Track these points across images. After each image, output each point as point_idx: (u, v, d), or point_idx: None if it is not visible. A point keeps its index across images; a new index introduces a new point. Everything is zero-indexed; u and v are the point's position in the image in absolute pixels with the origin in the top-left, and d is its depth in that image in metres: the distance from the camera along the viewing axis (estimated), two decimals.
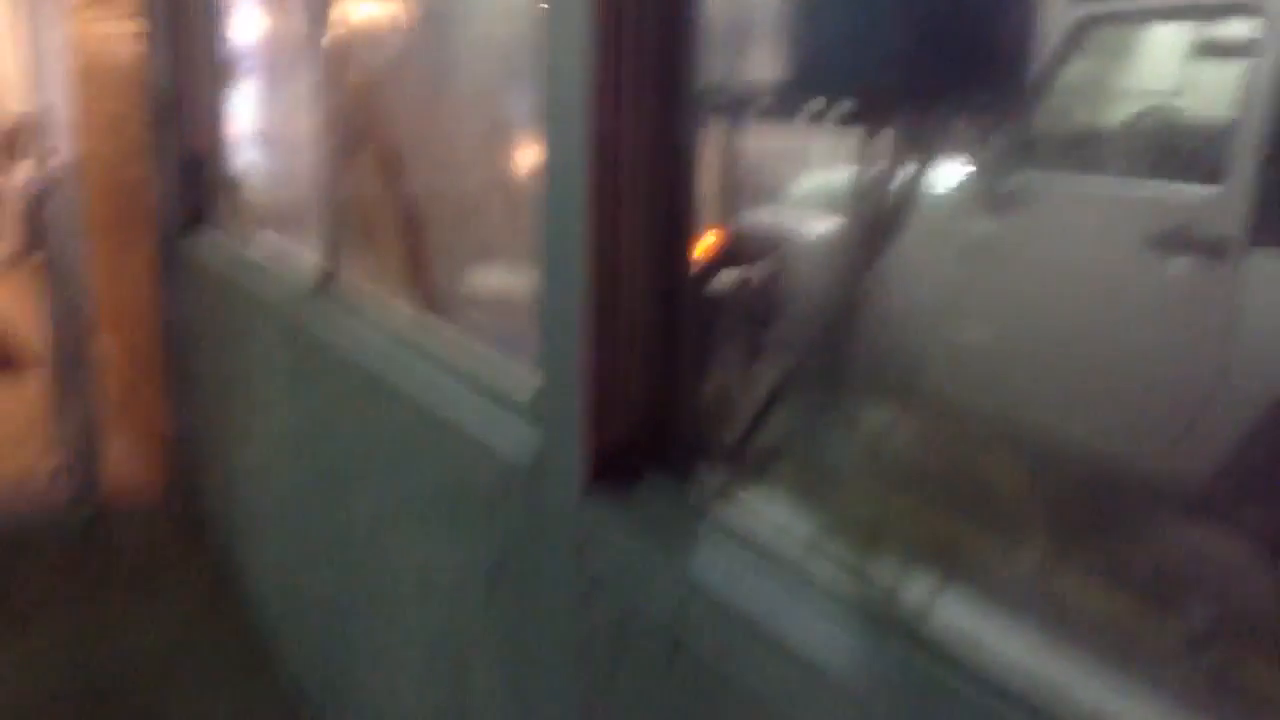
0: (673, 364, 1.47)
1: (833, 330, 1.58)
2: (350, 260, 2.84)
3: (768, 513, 1.29)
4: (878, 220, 1.44)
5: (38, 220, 3.87)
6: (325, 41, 3.00)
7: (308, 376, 2.77)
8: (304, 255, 3.05)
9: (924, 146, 1.41)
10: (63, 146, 3.90)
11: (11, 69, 8.53)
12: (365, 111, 3.13)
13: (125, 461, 4.70)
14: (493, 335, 2.02)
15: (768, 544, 1.24)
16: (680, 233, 1.46)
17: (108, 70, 5.32)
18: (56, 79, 3.87)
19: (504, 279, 2.35)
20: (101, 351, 6.13)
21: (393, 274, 2.75)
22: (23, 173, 3.87)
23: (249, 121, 4.25)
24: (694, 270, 1.49)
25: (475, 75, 2.70)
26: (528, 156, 2.63)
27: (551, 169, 1.50)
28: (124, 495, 4.31)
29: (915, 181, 1.40)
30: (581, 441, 1.46)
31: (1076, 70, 3.03)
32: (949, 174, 2.70)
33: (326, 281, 2.82)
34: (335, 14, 2.96)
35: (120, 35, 4.86)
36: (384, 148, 3.17)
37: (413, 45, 3.27)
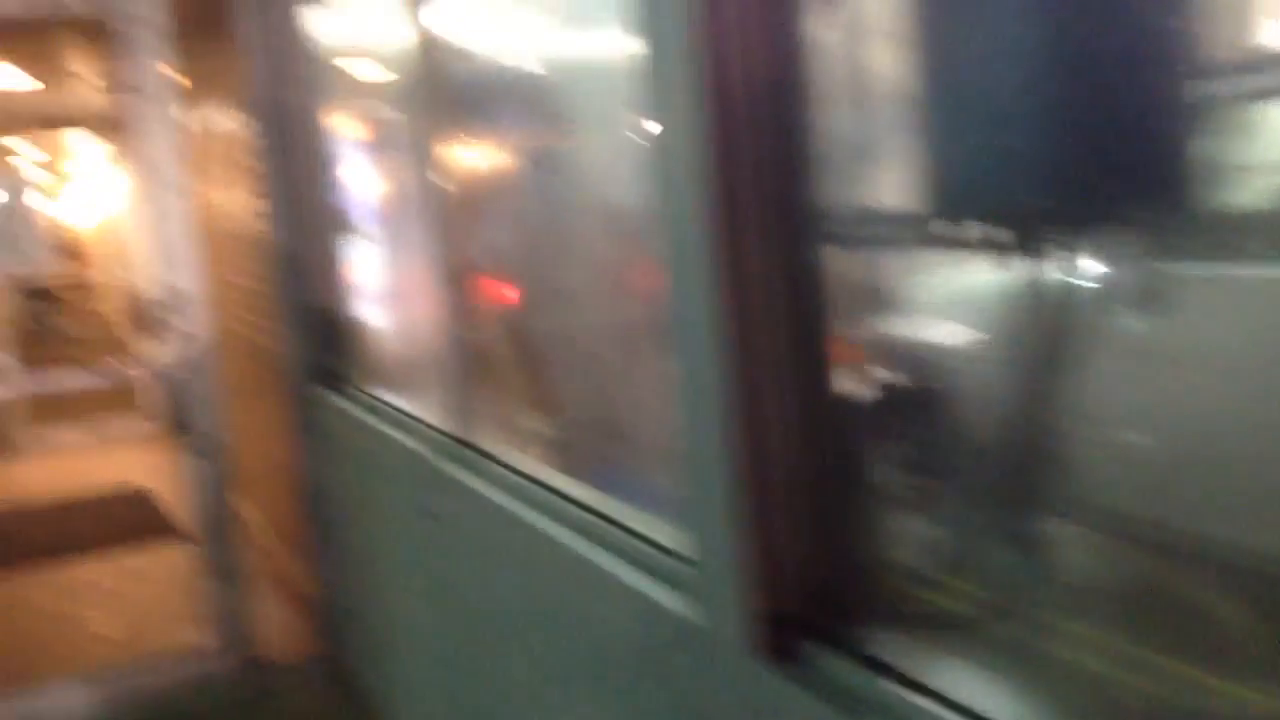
0: (832, 502, 1.37)
1: (1001, 448, 1.47)
2: (483, 409, 2.82)
3: (960, 674, 1.18)
4: (1041, 330, 1.33)
5: (181, 401, 3.97)
6: (439, 192, 3.03)
7: (449, 531, 2.74)
8: (436, 407, 3.05)
9: (1074, 249, 1.31)
10: (197, 323, 4.01)
11: (141, 248, 8.98)
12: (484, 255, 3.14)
13: (274, 623, 4.74)
14: (638, 483, 1.95)
15: (968, 709, 1.12)
16: (819, 358, 1.37)
17: (232, 240, 5.53)
18: (184, 255, 4.00)
19: (639, 419, 2.29)
20: (245, 515, 6.27)
21: (526, 421, 2.72)
22: (159, 352, 3.98)
23: (371, 276, 4.33)
24: (837, 394, 1.40)
25: (593, 210, 2.68)
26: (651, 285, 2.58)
27: (677, 301, 1.43)
28: (274, 657, 4.32)
29: (1068, 284, 1.30)
30: (742, 598, 1.36)
31: (1224, 150, 2.87)
32: (1097, 269, 2.54)
33: (461, 433, 2.80)
34: (447, 163, 3.00)
35: (241, 206, 5.06)
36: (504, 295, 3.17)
37: (525, 187, 3.28)
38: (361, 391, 3.74)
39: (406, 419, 3.23)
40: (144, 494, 7.27)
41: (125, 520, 6.80)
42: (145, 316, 4.00)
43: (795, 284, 1.32)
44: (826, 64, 1.29)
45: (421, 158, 3.10)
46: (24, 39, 5.52)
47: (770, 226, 1.31)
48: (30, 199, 3.94)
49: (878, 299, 1.66)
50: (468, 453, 2.68)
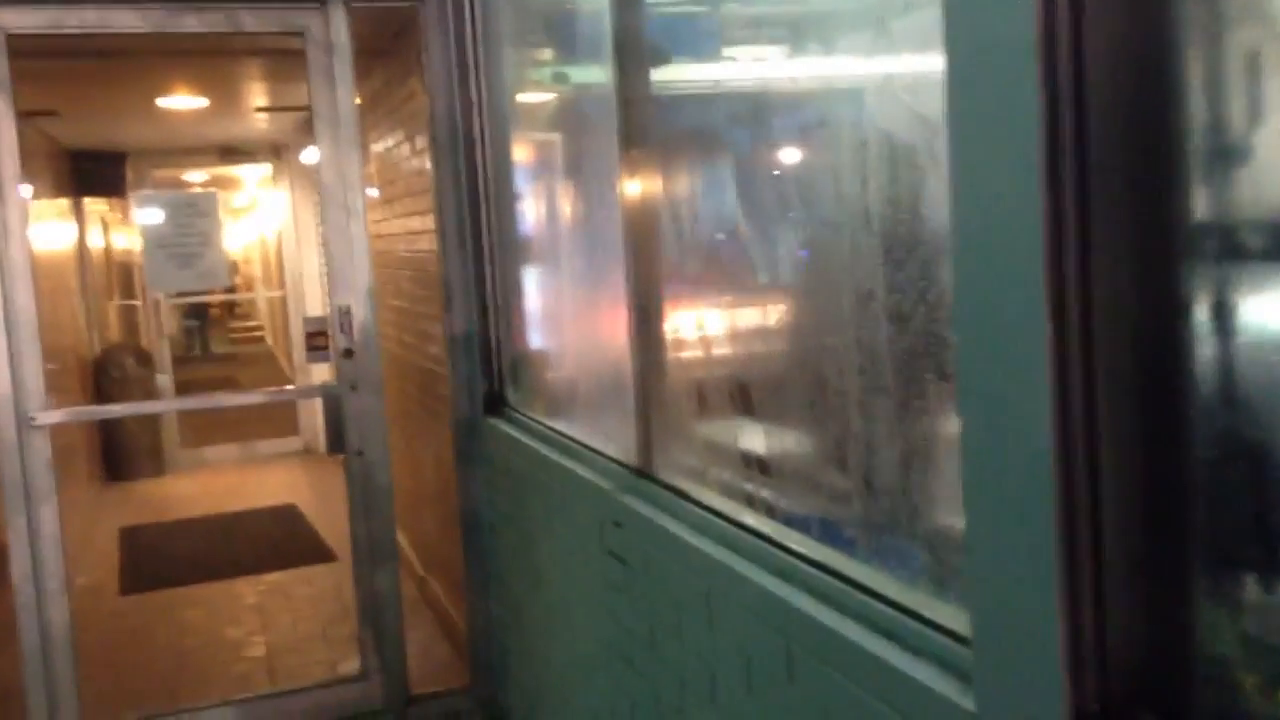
0: (1173, 577, 1.15)
1: None
2: (681, 442, 2.66)
3: None
4: None
5: (341, 420, 3.92)
6: (624, 215, 2.90)
7: (628, 576, 2.57)
8: (614, 439, 2.90)
9: None
10: (364, 343, 3.96)
11: (311, 269, 9.15)
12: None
13: (426, 654, 4.65)
14: (880, 539, 1.74)
15: None
16: (1172, 399, 1.14)
17: (398, 264, 5.52)
18: (357, 277, 3.95)
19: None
20: (402, 540, 6.25)
21: (721, 459, 2.54)
22: (324, 370, 3.93)
23: (546, 302, 4.24)
24: (1194, 445, 1.16)
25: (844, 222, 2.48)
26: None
27: (986, 329, 1.23)
28: (428, 688, 4.22)
29: None
30: (1047, 687, 1.15)
31: None
32: None
33: (643, 469, 2.64)
34: (629, 187, 2.86)
35: (410, 230, 5.04)
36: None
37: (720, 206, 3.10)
38: (532, 420, 3.62)
39: (580, 451, 3.09)
40: (295, 513, 7.34)
41: (275, 539, 6.86)
42: (313, 335, 3.96)
43: (1154, 313, 1.11)
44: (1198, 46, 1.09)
45: (611, 180, 2.97)
46: (195, 64, 5.63)
47: (1124, 244, 1.11)
48: (210, 218, 3.93)
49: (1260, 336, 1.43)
50: (649, 492, 2.52)
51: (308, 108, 7.49)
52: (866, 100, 2.07)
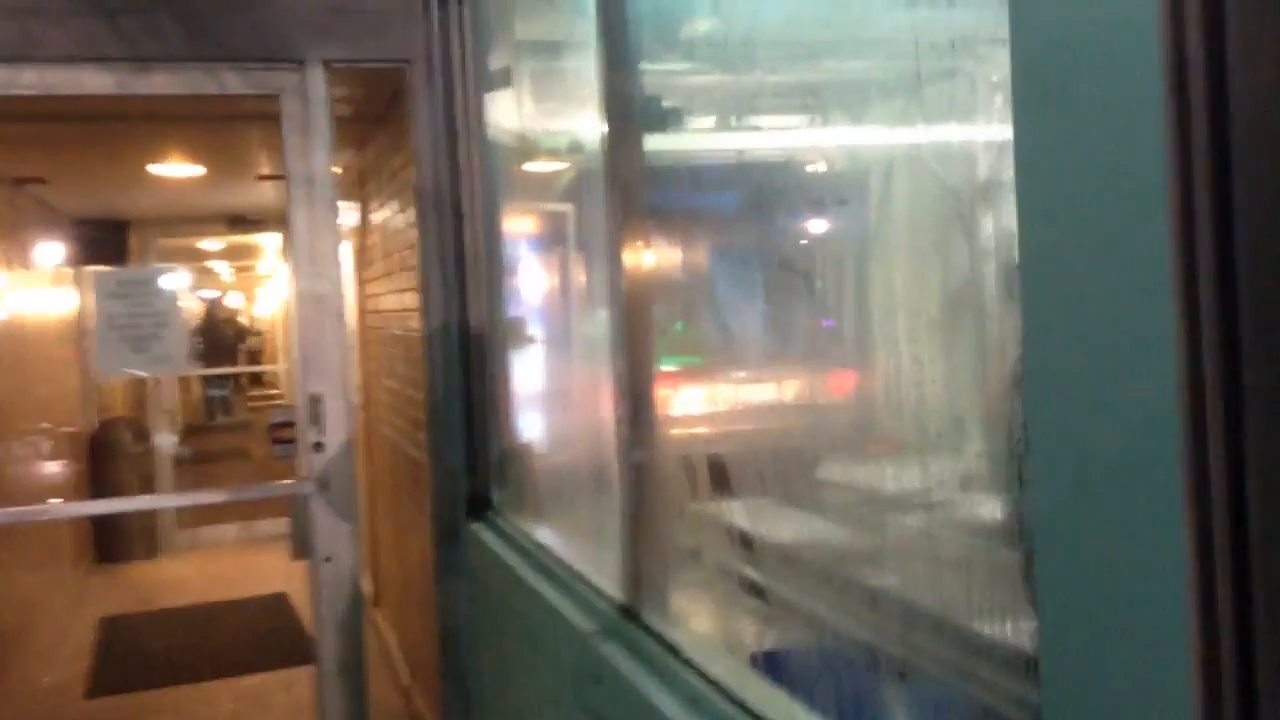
0: None
1: None
2: (660, 576, 2.21)
3: None
4: None
5: (303, 521, 3.49)
6: (623, 287, 2.51)
7: None
8: (601, 563, 2.46)
9: None
10: (335, 434, 3.54)
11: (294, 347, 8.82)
12: None
13: None
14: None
15: None
16: None
17: (395, 343, 5.13)
18: (330, 357, 3.55)
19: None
20: (392, 645, 5.78)
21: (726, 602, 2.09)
22: (292, 464, 3.51)
23: (540, 387, 3.82)
24: None
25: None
26: None
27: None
28: None
29: None
30: None
31: None
32: None
33: (631, 608, 2.19)
34: (622, 264, 2.46)
35: (406, 307, 4.65)
36: None
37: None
38: (516, 529, 3.18)
39: (565, 573, 2.64)
40: (284, 604, 6.89)
41: (260, 634, 6.39)
42: (278, 426, 3.56)
43: None
44: None
45: (606, 254, 2.59)
46: (190, 130, 5.32)
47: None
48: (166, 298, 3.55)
49: None
50: (650, 642, 2.06)
51: (290, 172, 7.19)
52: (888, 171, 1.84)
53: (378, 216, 5.56)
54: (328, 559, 3.56)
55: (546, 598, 2.54)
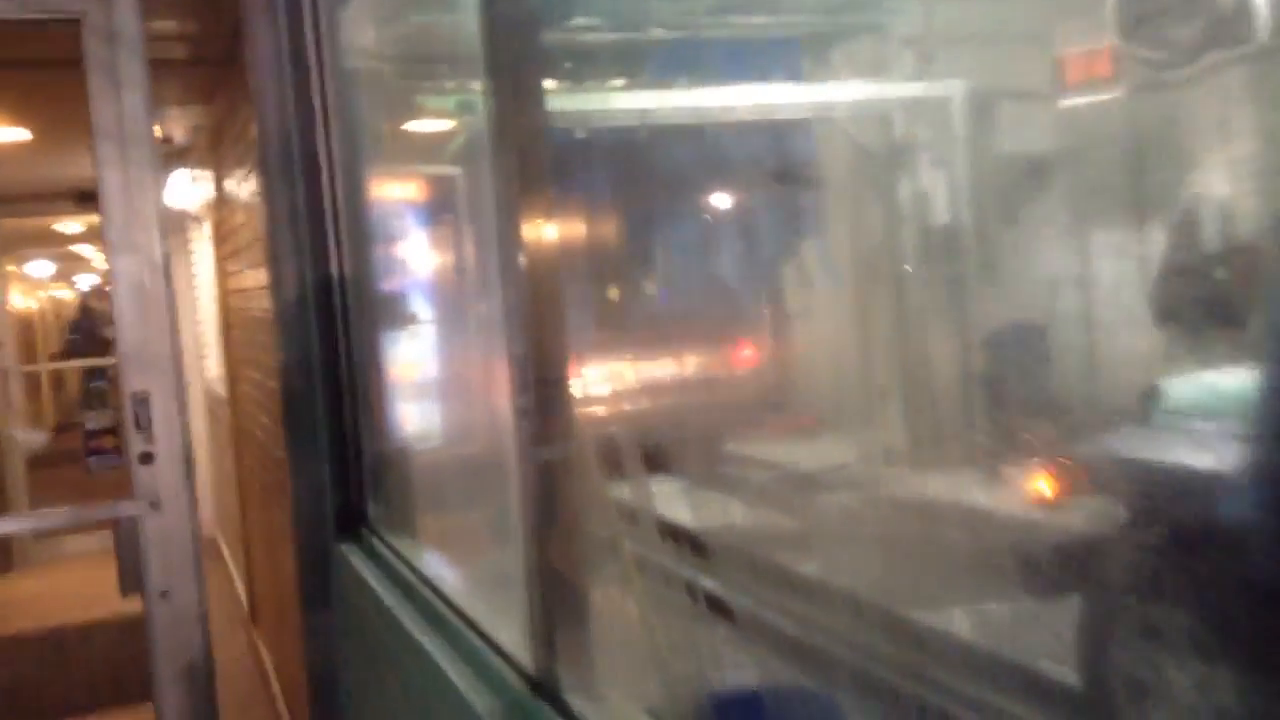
0: None
1: None
2: (579, 634, 1.64)
3: None
4: None
5: (132, 549, 2.82)
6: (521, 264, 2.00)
7: None
8: (503, 608, 1.88)
9: None
10: (169, 447, 2.87)
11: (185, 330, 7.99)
12: None
13: None
14: None
15: None
16: None
17: (257, 328, 4.44)
18: (153, 351, 2.87)
19: None
20: (276, 689, 5.10)
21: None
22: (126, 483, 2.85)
23: (425, 380, 3.21)
24: None
25: None
26: None
27: None
28: None
29: None
30: None
31: None
32: None
33: (542, 682, 1.61)
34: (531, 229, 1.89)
35: (263, 284, 3.96)
36: None
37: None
38: (394, 552, 2.56)
39: (456, 623, 2.04)
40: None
41: (120, 663, 5.64)
42: (95, 434, 2.87)
43: None
44: None
45: (505, 219, 2.06)
46: (9, 81, 4.52)
47: None
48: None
49: None
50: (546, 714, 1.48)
51: (168, 140, 6.37)
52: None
53: (232, 183, 4.84)
54: (164, 593, 2.90)
55: (433, 658, 1.93)
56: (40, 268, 18.31)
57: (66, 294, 21.57)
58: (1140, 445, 2.85)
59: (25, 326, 17.38)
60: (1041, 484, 3.25)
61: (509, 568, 2.00)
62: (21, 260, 16.64)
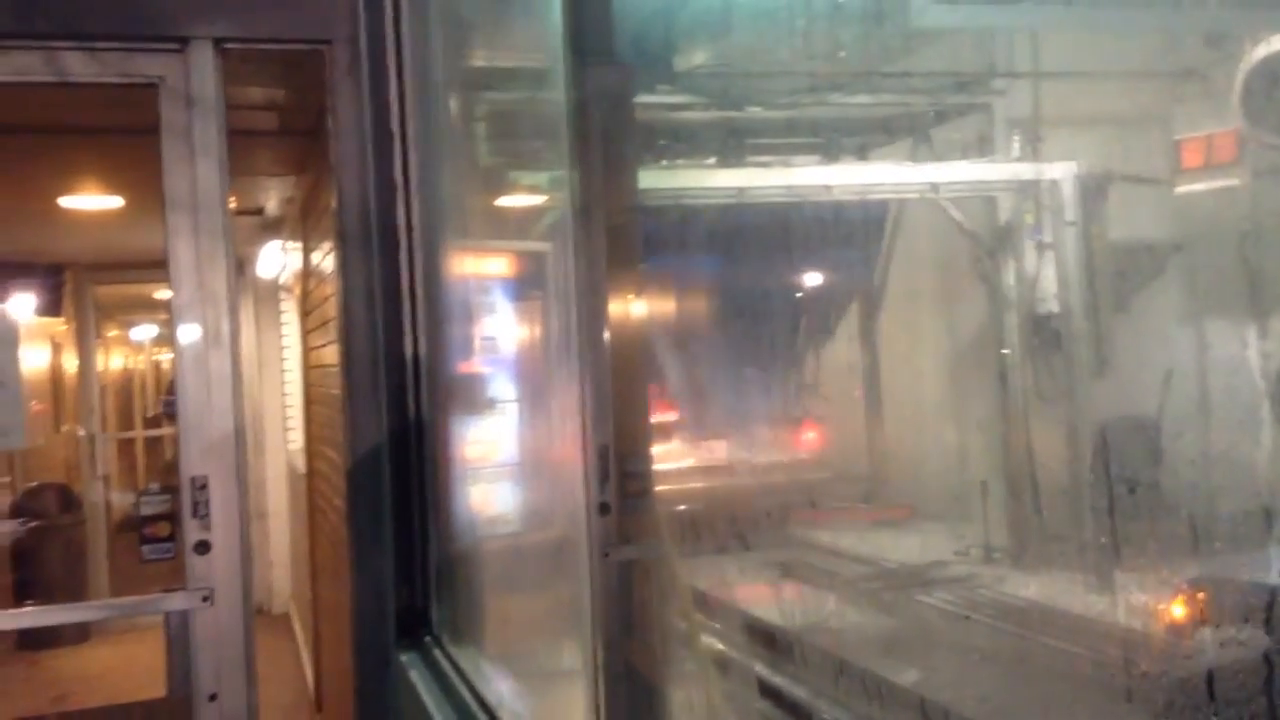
0: None
1: None
2: None
3: None
4: None
5: (183, 646, 2.62)
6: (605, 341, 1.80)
7: None
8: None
9: None
10: (225, 534, 2.67)
11: (274, 402, 7.92)
12: None
13: None
14: None
15: None
16: None
17: (332, 404, 4.28)
18: (212, 433, 2.69)
19: None
20: None
21: None
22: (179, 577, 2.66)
23: (499, 471, 2.99)
24: None
25: None
26: None
27: None
28: None
29: None
30: None
31: None
32: None
33: None
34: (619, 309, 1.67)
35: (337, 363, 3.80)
36: None
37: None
38: (458, 668, 2.31)
39: None
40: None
41: None
42: (150, 520, 2.70)
43: None
44: None
45: (587, 300, 1.86)
46: (102, 149, 4.48)
47: None
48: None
49: None
50: None
51: (260, 210, 6.34)
52: None
53: (318, 255, 4.72)
54: (212, 697, 2.68)
55: None
56: (142, 332, 18.76)
57: (170, 357, 22.09)
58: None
59: (125, 392, 17.73)
60: (1175, 607, 2.89)
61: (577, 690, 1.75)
62: (126, 326, 17.04)
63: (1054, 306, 7.91)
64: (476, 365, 3.01)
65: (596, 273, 2.23)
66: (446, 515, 2.70)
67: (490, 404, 3.09)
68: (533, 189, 3.15)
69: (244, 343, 8.37)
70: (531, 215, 3.14)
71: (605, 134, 2.35)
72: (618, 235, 2.35)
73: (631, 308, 2.61)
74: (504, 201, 3.30)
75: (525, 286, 3.07)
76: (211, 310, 2.70)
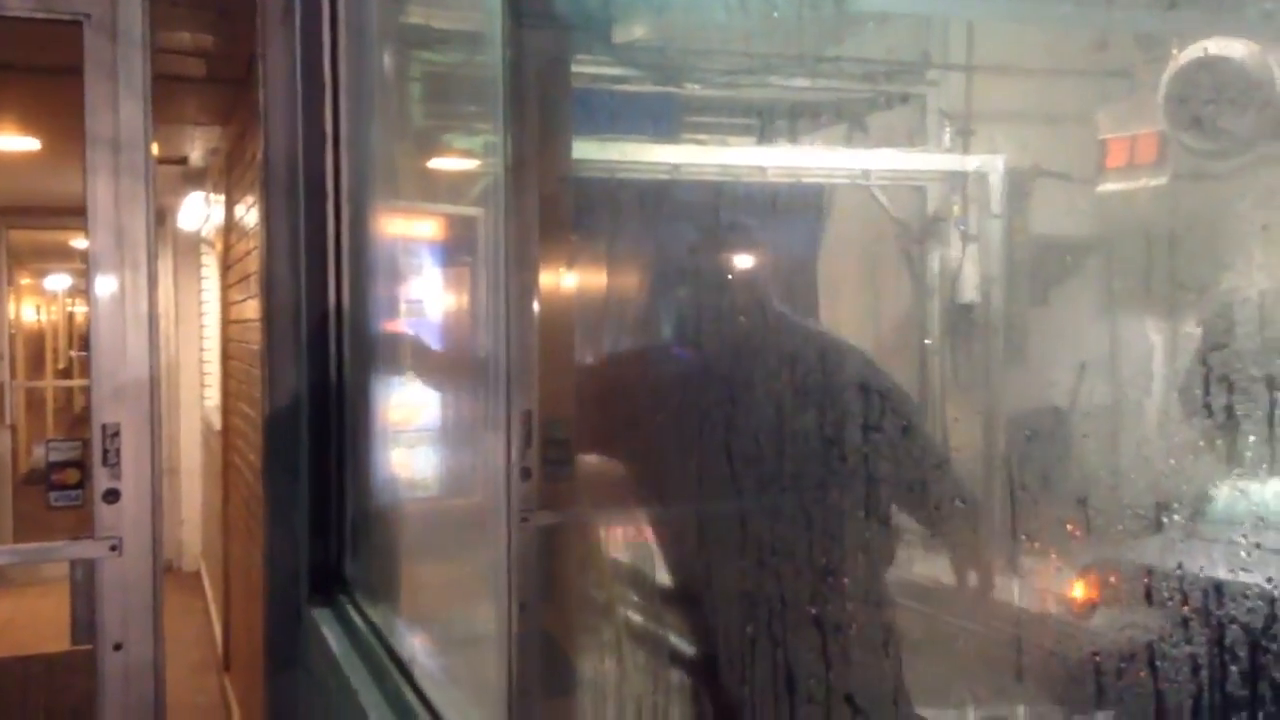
0: None
1: None
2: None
3: None
4: None
5: (87, 595, 2.57)
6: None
7: None
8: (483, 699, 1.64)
9: None
10: (135, 483, 2.63)
11: (190, 359, 7.76)
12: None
13: None
14: None
15: None
16: None
17: (252, 360, 4.22)
18: (126, 379, 2.64)
19: None
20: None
21: None
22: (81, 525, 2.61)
23: (416, 430, 2.97)
24: None
25: None
26: None
27: None
28: None
29: None
30: None
31: None
32: None
33: None
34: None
35: (257, 317, 3.75)
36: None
37: None
38: (370, 625, 2.31)
39: (434, 689, 1.80)
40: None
41: (77, 698, 5.34)
42: (59, 467, 2.64)
43: None
44: None
45: (517, 267, 1.89)
46: (20, 86, 4.35)
47: None
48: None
49: None
50: None
51: (184, 160, 6.20)
52: None
53: (241, 208, 4.64)
54: (117, 646, 2.64)
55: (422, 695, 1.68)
56: (56, 282, 18.22)
57: (84, 309, 21.50)
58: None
59: (36, 341, 17.26)
60: (1075, 589, 2.98)
61: (490, 655, 1.76)
62: (39, 274, 16.55)
63: (975, 297, 8.07)
64: (401, 326, 2.99)
65: (527, 239, 2.25)
66: (365, 474, 2.68)
67: (414, 366, 3.07)
68: (466, 152, 3.13)
69: (161, 294, 8.20)
70: (464, 179, 3.13)
71: (541, 99, 2.35)
72: (550, 203, 2.37)
73: (561, 277, 2.62)
74: (436, 163, 3.28)
75: (454, 251, 3.05)
76: (130, 252, 2.65)
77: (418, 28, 2.84)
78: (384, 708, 1.87)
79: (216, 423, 5.95)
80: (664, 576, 2.15)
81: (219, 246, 5.73)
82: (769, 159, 7.95)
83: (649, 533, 2.20)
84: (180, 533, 7.97)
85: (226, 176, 5.20)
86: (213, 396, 6.86)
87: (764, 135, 8.28)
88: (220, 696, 5.19)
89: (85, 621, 2.64)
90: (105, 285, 2.64)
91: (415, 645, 2.09)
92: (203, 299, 7.41)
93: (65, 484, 2.63)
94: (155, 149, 2.86)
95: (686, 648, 2.17)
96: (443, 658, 2.03)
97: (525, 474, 2.25)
